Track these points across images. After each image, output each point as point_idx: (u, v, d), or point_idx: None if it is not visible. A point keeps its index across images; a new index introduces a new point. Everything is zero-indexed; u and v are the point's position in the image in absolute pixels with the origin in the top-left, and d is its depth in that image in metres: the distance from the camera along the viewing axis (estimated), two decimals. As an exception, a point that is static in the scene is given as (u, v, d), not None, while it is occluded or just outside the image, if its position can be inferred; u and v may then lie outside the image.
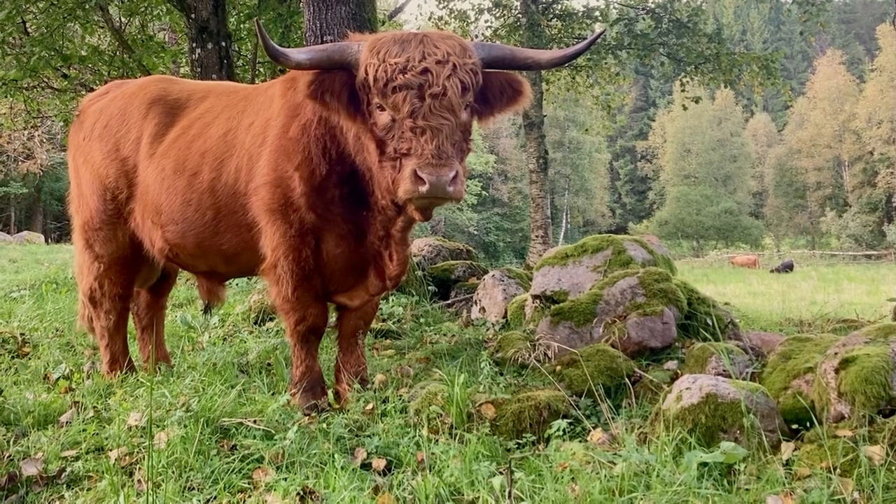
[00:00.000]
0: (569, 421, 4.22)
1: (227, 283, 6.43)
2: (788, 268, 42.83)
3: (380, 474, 3.83)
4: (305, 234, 4.70)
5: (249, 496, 3.51)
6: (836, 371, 3.90)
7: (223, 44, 13.08)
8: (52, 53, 15.03)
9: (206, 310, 7.64)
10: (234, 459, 3.86)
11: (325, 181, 4.61)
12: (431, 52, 3.93)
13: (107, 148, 5.57)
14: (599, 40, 26.51)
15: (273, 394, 5.05)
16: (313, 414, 4.69)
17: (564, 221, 76.60)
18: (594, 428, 4.26)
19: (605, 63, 25.42)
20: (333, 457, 3.80)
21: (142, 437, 4.13)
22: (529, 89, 4.37)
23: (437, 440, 4.13)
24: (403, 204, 4.11)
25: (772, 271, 40.87)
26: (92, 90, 15.08)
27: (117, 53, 16.43)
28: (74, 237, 5.94)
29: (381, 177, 4.09)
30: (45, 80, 16.81)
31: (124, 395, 5.01)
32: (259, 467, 3.79)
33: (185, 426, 4.09)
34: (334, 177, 4.61)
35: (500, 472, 3.68)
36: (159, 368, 5.78)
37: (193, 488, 3.63)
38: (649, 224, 79.78)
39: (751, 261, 52.94)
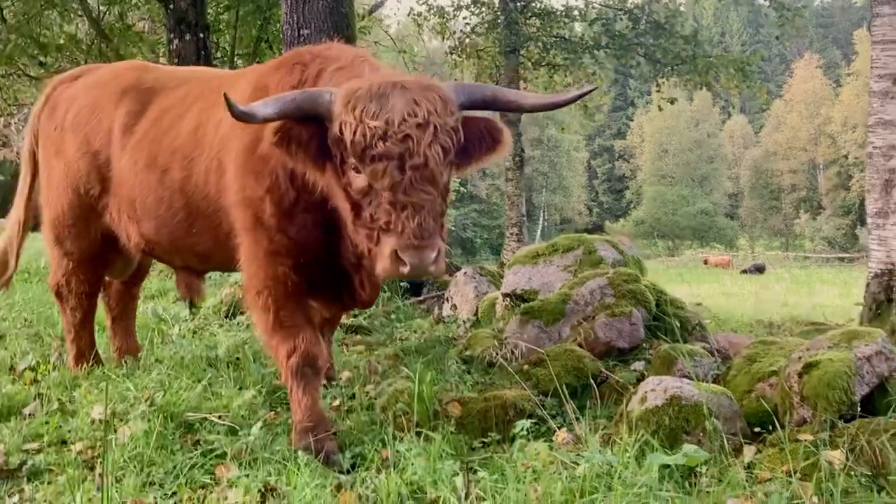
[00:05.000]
0: (534, 421, 4.23)
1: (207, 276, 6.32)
2: (759, 269, 43.06)
3: (343, 472, 3.83)
4: (279, 253, 4.39)
5: (211, 492, 3.48)
6: (800, 375, 3.94)
7: (201, 35, 13.04)
8: (29, 41, 14.95)
9: (191, 305, 7.56)
10: (197, 455, 3.85)
11: (294, 206, 4.32)
12: (412, 112, 3.60)
13: (79, 140, 5.41)
14: (576, 39, 26.67)
15: (240, 388, 5.01)
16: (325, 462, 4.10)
17: (541, 219, 76.71)
18: (559, 428, 4.28)
19: (583, 63, 25.51)
20: (297, 454, 3.80)
21: (105, 430, 4.08)
22: (509, 138, 4.08)
23: (402, 438, 4.13)
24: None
25: (742, 272, 41.00)
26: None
27: (95, 42, 16.34)
28: (44, 230, 5.82)
29: (356, 238, 3.86)
30: (22, 67, 16.69)
31: (89, 388, 4.97)
32: (222, 463, 3.77)
33: (149, 420, 4.06)
34: (302, 204, 4.29)
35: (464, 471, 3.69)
36: (126, 361, 5.73)
37: (154, 483, 3.61)
38: (626, 223, 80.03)
39: (724, 261, 53.20)
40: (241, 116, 3.69)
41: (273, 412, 4.68)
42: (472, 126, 3.90)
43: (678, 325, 5.52)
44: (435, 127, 3.61)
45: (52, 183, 5.63)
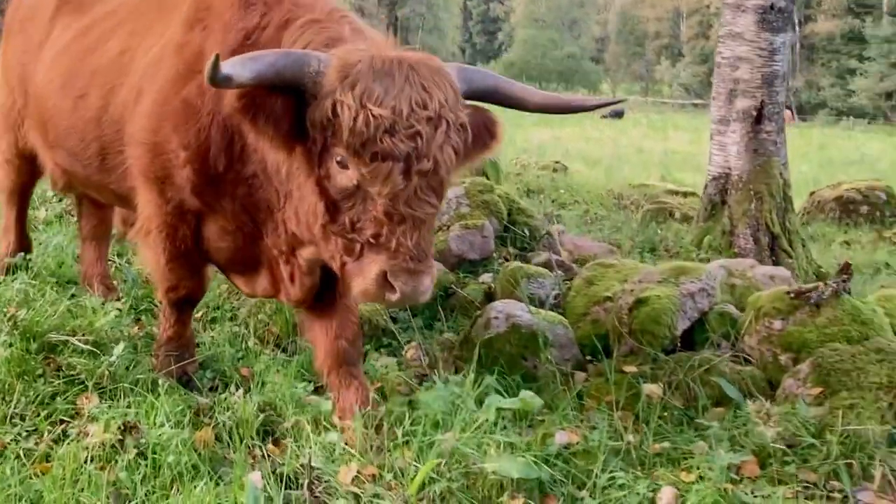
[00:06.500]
0: (384, 345, 4.45)
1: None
2: (618, 115, 43.70)
3: (202, 394, 3.87)
4: (185, 214, 3.79)
5: (71, 427, 3.44)
6: (630, 310, 4.34)
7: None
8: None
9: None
10: (60, 382, 3.74)
11: (223, 175, 3.59)
12: (421, 102, 2.89)
13: (20, 48, 4.89)
14: None
15: (103, 304, 4.67)
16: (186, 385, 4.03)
17: (415, 59, 75.92)
18: (407, 343, 4.56)
19: None
20: (157, 381, 3.80)
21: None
22: (503, 134, 3.39)
23: (262, 352, 4.29)
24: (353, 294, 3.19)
25: (602, 117, 41.54)
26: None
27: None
28: None
29: (325, 245, 3.19)
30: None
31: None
32: (84, 393, 3.70)
33: (11, 345, 3.86)
34: (232, 174, 3.58)
35: (318, 392, 3.92)
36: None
37: (17, 415, 3.52)
38: (496, 65, 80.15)
39: (587, 104, 53.97)
40: (220, 82, 2.89)
41: (137, 324, 4.69)
42: (472, 120, 3.16)
43: (527, 233, 5.86)
44: (447, 123, 2.96)
45: None
